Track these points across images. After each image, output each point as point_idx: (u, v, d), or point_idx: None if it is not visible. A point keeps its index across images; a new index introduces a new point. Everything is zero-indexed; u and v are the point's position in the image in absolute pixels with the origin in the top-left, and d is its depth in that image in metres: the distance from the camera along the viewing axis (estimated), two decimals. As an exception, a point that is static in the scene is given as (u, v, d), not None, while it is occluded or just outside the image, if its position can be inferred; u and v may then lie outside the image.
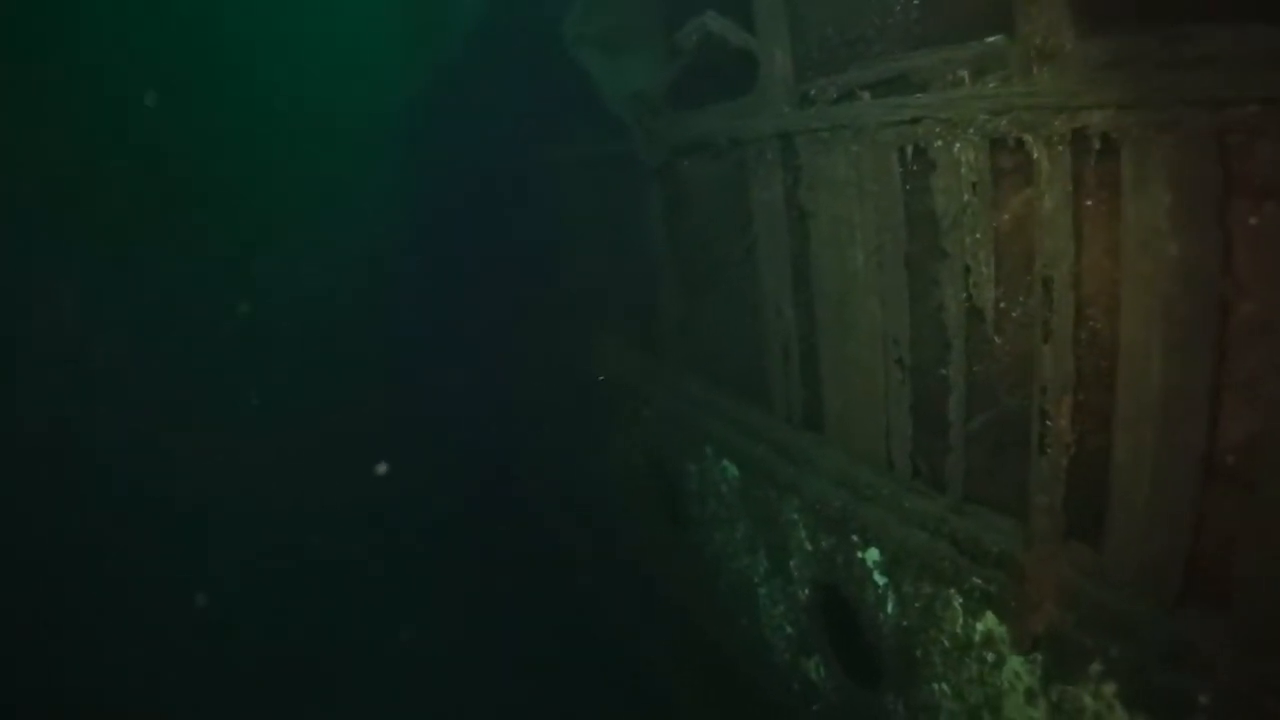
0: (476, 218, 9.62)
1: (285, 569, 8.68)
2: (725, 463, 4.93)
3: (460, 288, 10.52)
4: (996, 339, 2.97)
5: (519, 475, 9.83)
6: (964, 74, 2.83)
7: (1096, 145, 2.44)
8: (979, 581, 3.16)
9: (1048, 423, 2.75)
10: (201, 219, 11.54)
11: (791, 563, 4.46)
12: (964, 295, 2.97)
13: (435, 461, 10.37)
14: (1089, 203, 2.53)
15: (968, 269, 2.92)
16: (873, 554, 3.74)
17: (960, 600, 3.28)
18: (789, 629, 4.71)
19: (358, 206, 12.18)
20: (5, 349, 9.59)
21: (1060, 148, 2.51)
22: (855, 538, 3.82)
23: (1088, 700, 2.78)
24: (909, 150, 3.12)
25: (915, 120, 3.02)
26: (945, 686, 3.46)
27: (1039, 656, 2.97)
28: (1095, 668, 2.72)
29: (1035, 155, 2.59)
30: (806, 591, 4.41)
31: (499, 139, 8.29)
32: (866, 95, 3.30)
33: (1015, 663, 3.09)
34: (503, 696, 7.06)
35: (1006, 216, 2.78)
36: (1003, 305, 2.90)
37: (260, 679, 7.19)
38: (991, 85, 2.74)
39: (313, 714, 7.14)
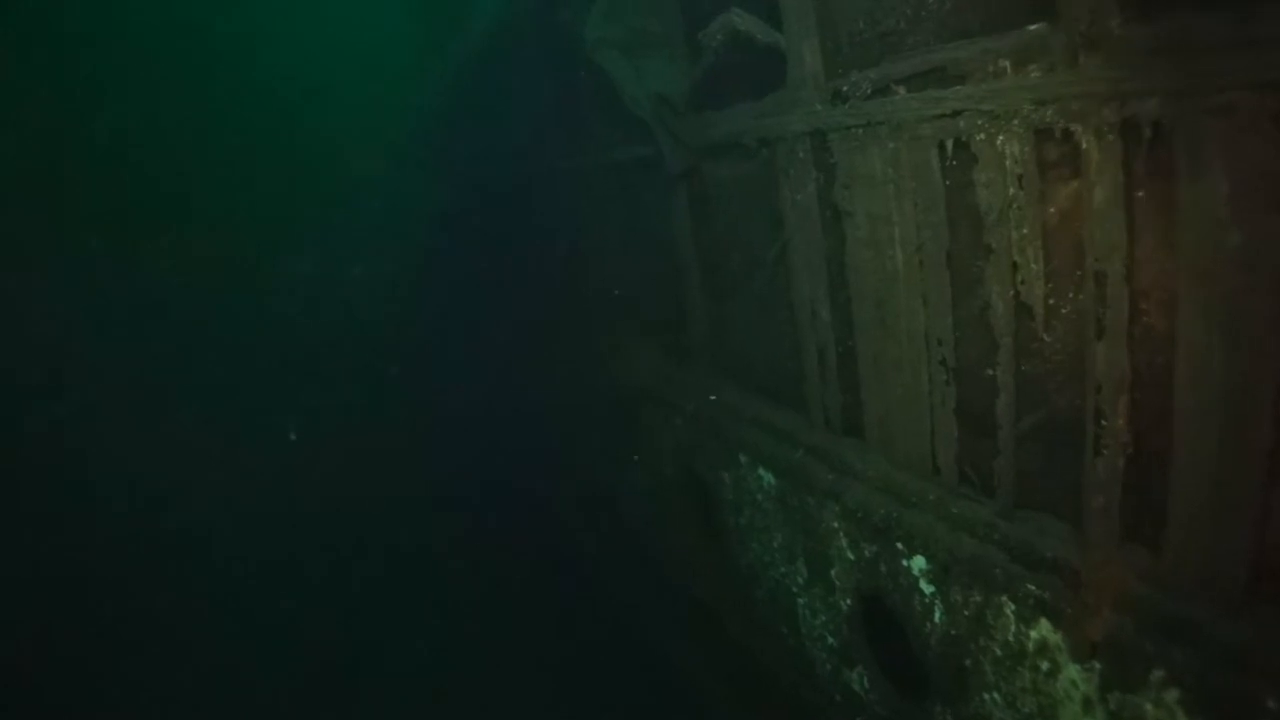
0: (500, 223, 9.53)
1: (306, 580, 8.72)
2: (761, 470, 4.86)
3: (483, 295, 10.46)
4: (1046, 337, 2.90)
5: (544, 484, 9.76)
6: (1006, 64, 2.77)
7: (1148, 134, 2.37)
8: (1032, 588, 3.09)
9: (1103, 423, 2.69)
10: (205, 221, 11.28)
11: (832, 572, 4.39)
12: (1011, 292, 2.91)
13: (458, 472, 10.32)
14: (1141, 193, 2.47)
15: (1015, 265, 2.86)
16: (919, 562, 3.66)
17: (1013, 608, 3.20)
18: (830, 639, 4.64)
19: (377, 210, 11.99)
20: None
21: (1110, 137, 2.45)
22: (900, 545, 3.74)
23: (1149, 708, 2.71)
24: (949, 144, 3.06)
25: (955, 113, 2.96)
26: (997, 696, 3.38)
27: (1097, 664, 2.89)
28: (1157, 674, 2.64)
29: (1084, 146, 2.53)
30: (848, 601, 4.33)
31: (522, 143, 8.25)
32: (902, 89, 3.24)
33: (1072, 671, 3.01)
34: (534, 705, 7.06)
35: (1054, 210, 2.72)
36: (1052, 302, 2.84)
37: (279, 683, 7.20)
38: (1035, 75, 2.68)
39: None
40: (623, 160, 6.20)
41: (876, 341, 3.72)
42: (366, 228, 11.89)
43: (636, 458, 6.87)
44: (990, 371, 3.17)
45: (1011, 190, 2.80)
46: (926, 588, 3.64)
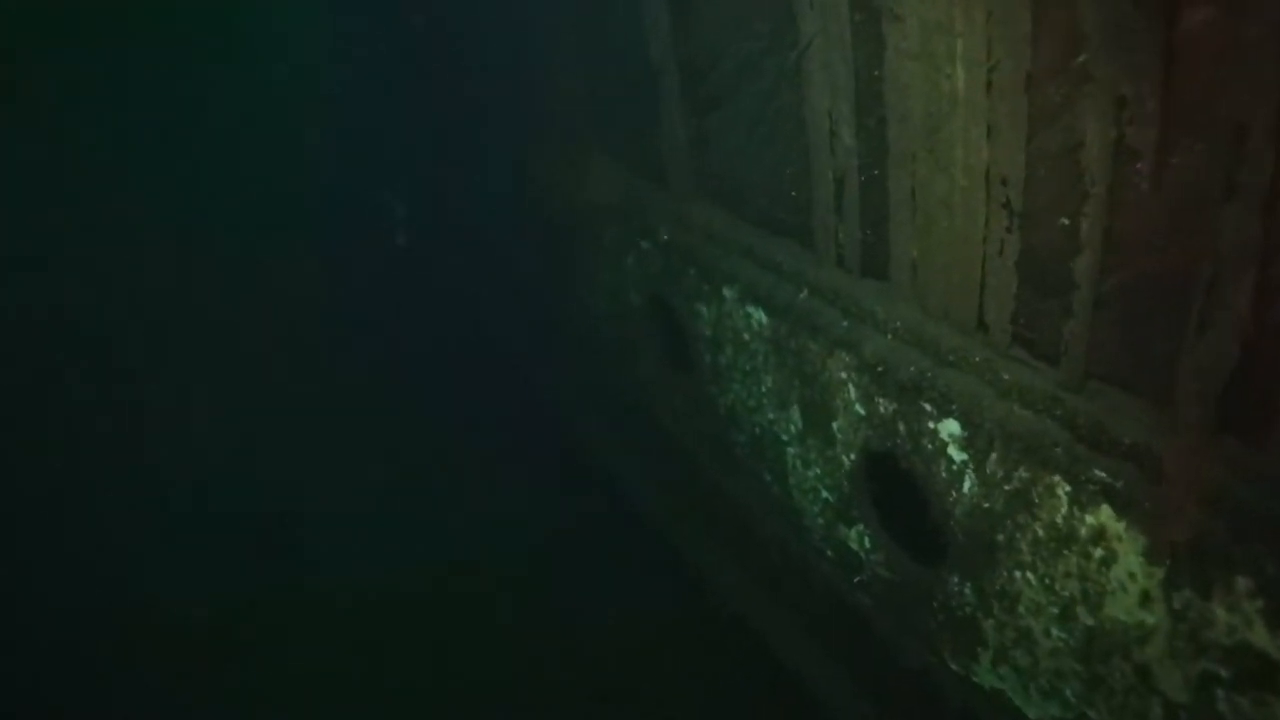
0: (424, 19, 8.83)
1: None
2: (750, 308, 4.55)
3: (409, 102, 9.78)
4: (1150, 190, 2.52)
5: (488, 309, 9.41)
6: None
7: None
8: (1100, 474, 2.86)
9: (1217, 297, 2.35)
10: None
11: (834, 425, 4.18)
12: (1114, 133, 2.50)
13: (392, 300, 9.91)
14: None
15: (1123, 100, 2.44)
16: (950, 426, 3.44)
17: (1067, 489, 2.99)
18: (825, 494, 4.50)
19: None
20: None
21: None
22: (929, 406, 3.51)
23: (1220, 612, 2.57)
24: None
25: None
26: (1030, 576, 3.27)
27: (1168, 561, 2.68)
28: (1242, 583, 2.46)
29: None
30: (852, 457, 4.16)
31: None
32: None
33: (1131, 562, 2.85)
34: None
35: (1186, 38, 2.28)
36: (1166, 151, 2.44)
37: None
38: None
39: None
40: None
41: (919, 174, 3.31)
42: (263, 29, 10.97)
43: (592, 285, 6.60)
44: (1068, 221, 2.81)
45: (1126, 7, 2.35)
46: (957, 454, 3.44)
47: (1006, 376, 3.23)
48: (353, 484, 7.75)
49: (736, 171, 4.61)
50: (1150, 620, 2.84)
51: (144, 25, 9.95)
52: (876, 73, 3.36)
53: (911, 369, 3.55)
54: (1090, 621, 3.08)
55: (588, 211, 6.14)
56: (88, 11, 9.82)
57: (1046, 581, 3.22)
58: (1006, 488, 3.25)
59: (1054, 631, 3.27)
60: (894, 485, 3.88)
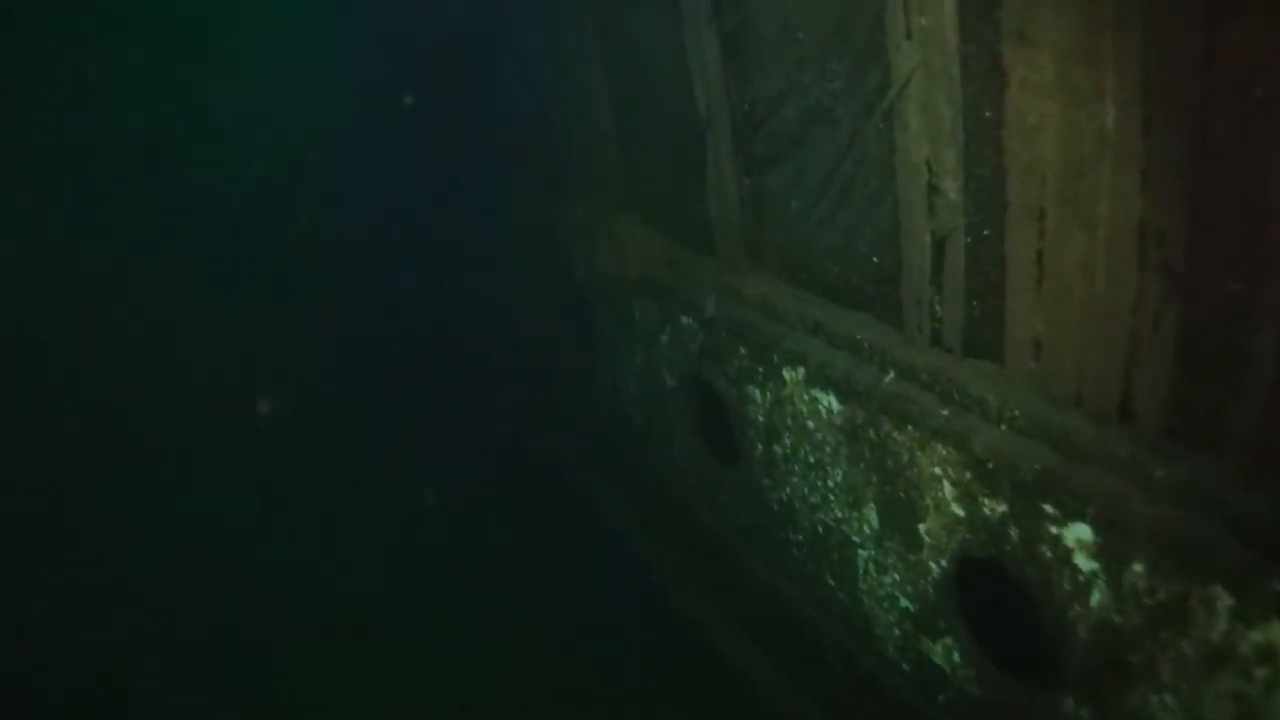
0: (436, 80, 8.65)
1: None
2: (818, 392, 4.16)
3: (406, 157, 9.67)
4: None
5: (506, 387, 9.11)
6: None
7: None
8: (1275, 584, 2.47)
9: None
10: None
11: (922, 526, 3.79)
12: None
13: (402, 369, 9.73)
14: None
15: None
16: (1079, 531, 3.02)
17: (1230, 602, 2.60)
18: (905, 602, 4.11)
19: (275, 54, 11.19)
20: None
21: None
22: (1051, 508, 3.09)
23: None
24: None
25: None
26: (1169, 700, 2.89)
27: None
28: None
29: None
30: (943, 564, 3.75)
31: None
32: None
33: (1310, 683, 2.45)
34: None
35: None
36: None
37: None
38: None
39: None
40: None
41: (1049, 233, 2.89)
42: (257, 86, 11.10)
43: (617, 364, 6.28)
44: (1242, 287, 2.40)
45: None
46: (1085, 563, 3.04)
47: (1158, 473, 2.80)
48: (376, 568, 7.51)
49: (801, 236, 4.21)
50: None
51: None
52: (992, 113, 2.96)
53: (1034, 465, 3.13)
54: (1242, 751, 2.67)
55: (618, 283, 5.80)
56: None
57: (1189, 704, 2.83)
58: (1149, 600, 2.84)
59: (1196, 763, 2.85)
60: (993, 595, 3.50)
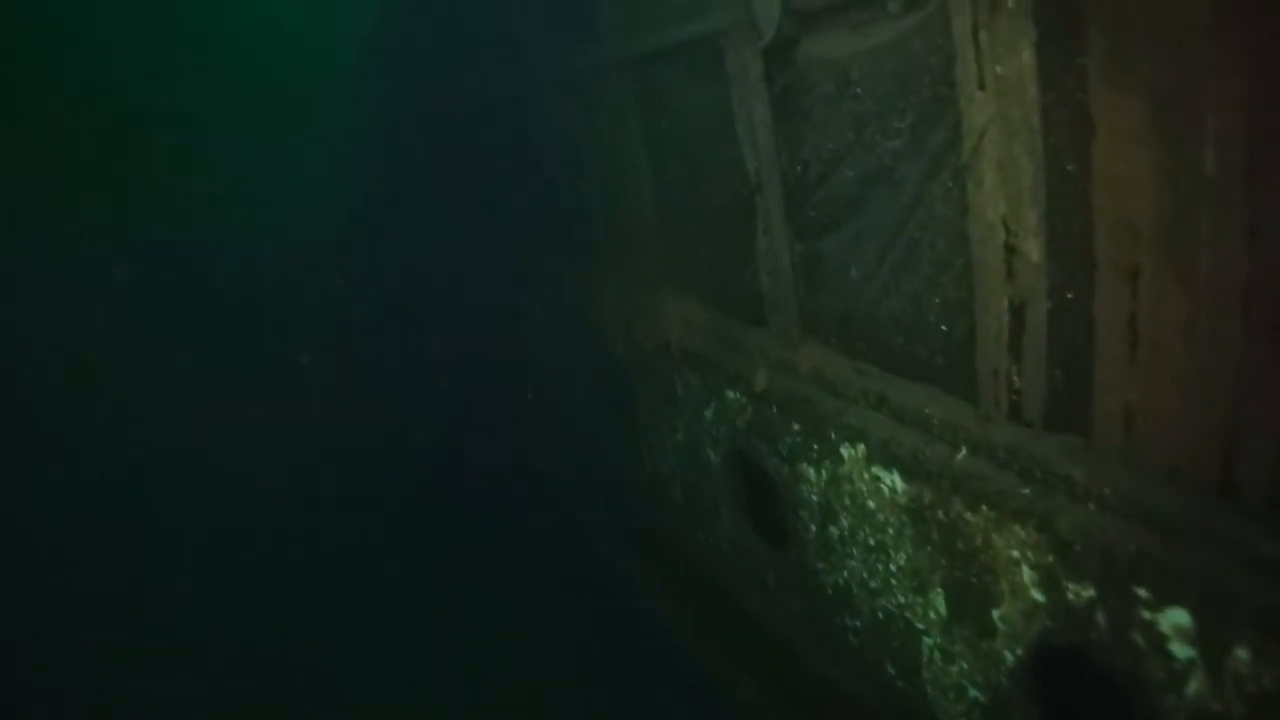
0: (474, 151, 8.81)
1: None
2: (879, 470, 3.97)
3: (455, 232, 9.76)
4: None
5: (535, 460, 9.10)
6: None
7: None
8: None
9: None
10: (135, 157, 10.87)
11: (995, 613, 3.57)
12: None
13: (429, 454, 9.68)
14: None
15: None
16: (1176, 617, 2.82)
17: None
18: (974, 693, 3.87)
19: (323, 140, 11.51)
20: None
21: None
22: (1144, 592, 2.88)
23: None
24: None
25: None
26: None
27: None
28: None
29: None
30: (1018, 652, 3.52)
31: (500, 50, 7.54)
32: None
33: None
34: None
35: None
36: None
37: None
38: None
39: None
40: (649, 51, 5.20)
41: (1144, 293, 2.72)
42: (304, 165, 11.45)
43: (658, 439, 6.10)
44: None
45: None
46: (1181, 650, 2.83)
47: (1264, 550, 2.61)
48: (413, 653, 7.39)
49: (860, 305, 4.06)
50: None
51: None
52: (1076, 166, 2.80)
53: (1126, 546, 2.93)
54: None
55: (657, 354, 5.68)
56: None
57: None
58: (1253, 688, 2.65)
59: None
60: (1075, 685, 3.31)
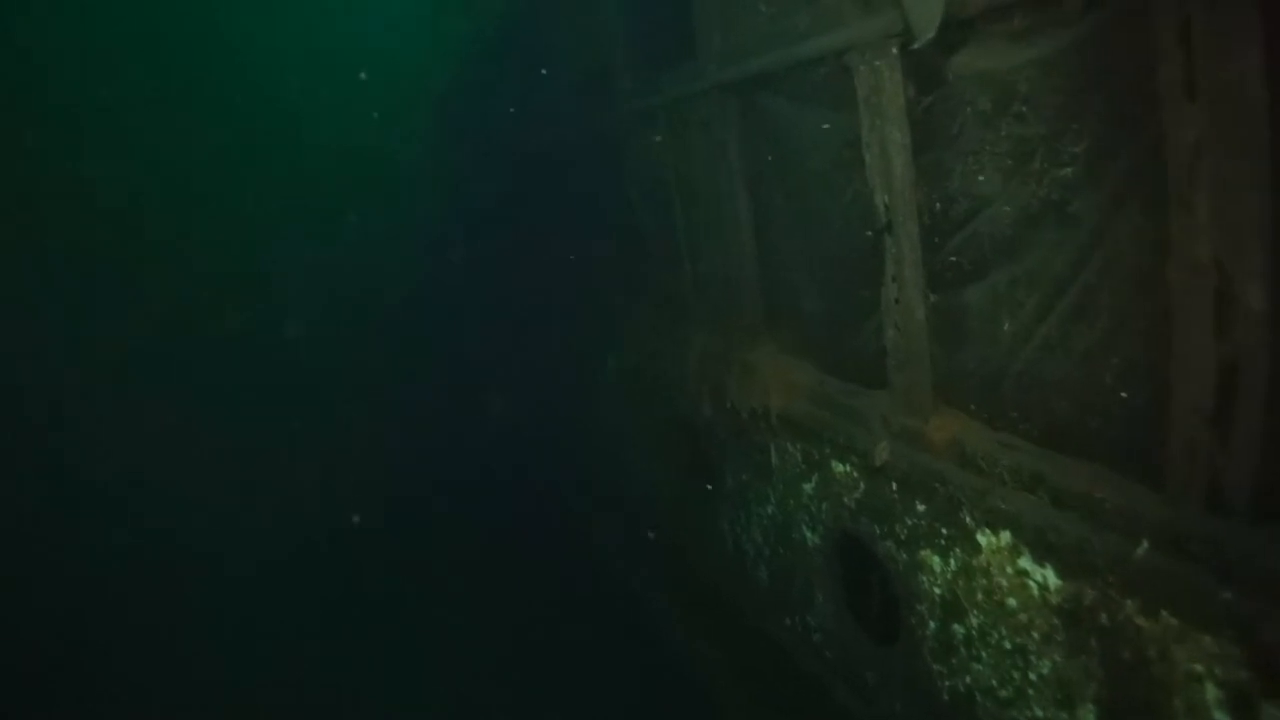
0: (543, 193, 8.76)
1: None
2: (1028, 562, 3.49)
3: (525, 287, 9.71)
4: None
5: (601, 536, 8.72)
6: None
7: None
8: None
9: None
10: (211, 208, 11.62)
11: None
12: None
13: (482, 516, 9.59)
14: None
15: None
16: None
17: None
18: None
19: (391, 187, 11.70)
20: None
21: None
22: None
23: None
24: None
25: None
26: None
27: None
28: None
29: None
30: None
31: (576, 84, 7.42)
32: None
33: None
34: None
35: None
36: None
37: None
38: None
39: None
40: (753, 75, 4.80)
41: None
42: (373, 211, 11.62)
43: (753, 509, 5.68)
44: None
45: None
46: None
47: None
48: None
49: (1013, 366, 3.56)
50: None
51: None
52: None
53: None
54: None
55: (752, 421, 5.26)
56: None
57: None
58: None
59: None
60: None
